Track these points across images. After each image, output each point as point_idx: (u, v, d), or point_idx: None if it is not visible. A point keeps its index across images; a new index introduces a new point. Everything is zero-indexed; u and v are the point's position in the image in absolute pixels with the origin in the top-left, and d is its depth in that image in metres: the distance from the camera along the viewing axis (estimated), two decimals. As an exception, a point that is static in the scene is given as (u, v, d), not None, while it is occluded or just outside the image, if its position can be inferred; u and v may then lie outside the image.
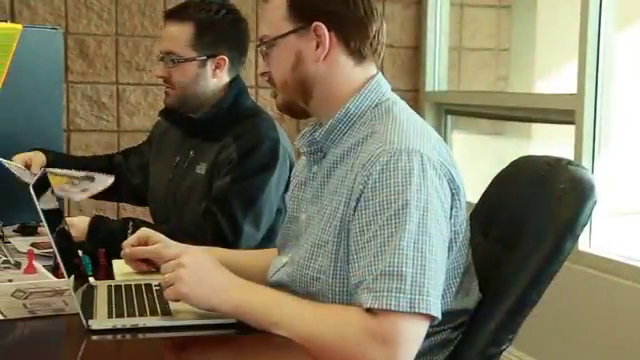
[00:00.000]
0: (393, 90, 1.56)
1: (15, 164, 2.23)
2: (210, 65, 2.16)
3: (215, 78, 2.18)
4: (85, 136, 3.80)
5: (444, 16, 4.05)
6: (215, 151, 2.14)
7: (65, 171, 2.28)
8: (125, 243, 1.80)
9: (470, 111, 3.99)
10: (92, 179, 2.24)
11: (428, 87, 4.06)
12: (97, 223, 2.03)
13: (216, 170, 2.11)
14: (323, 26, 1.47)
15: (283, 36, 1.50)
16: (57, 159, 2.36)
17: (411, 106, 1.55)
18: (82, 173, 2.27)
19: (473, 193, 1.69)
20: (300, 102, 1.54)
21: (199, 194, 2.13)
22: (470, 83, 4.32)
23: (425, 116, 3.98)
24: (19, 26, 2.43)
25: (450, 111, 4.06)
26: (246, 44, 2.23)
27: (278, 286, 1.51)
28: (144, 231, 1.81)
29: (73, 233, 1.94)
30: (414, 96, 4.06)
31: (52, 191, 1.65)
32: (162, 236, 1.79)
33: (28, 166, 2.26)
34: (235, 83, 2.22)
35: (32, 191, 1.44)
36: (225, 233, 2.02)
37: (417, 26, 4.10)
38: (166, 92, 2.20)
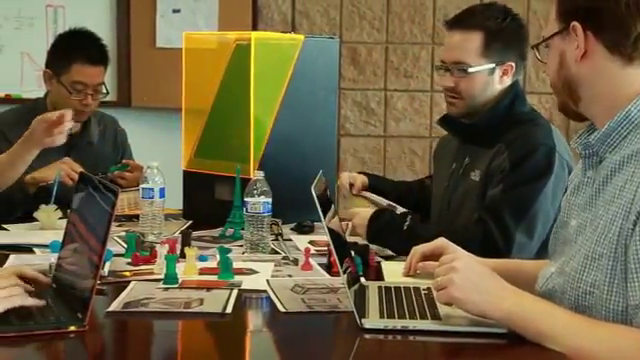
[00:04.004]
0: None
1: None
2: (497, 72, 2.16)
3: (500, 85, 2.18)
4: (354, 140, 3.96)
5: None
6: (488, 157, 2.12)
7: (374, 196, 2.39)
8: (417, 249, 1.83)
9: None
10: (394, 209, 2.30)
11: None
12: (379, 212, 2.12)
13: (489, 178, 2.10)
14: (578, 25, 1.41)
15: (550, 37, 1.48)
16: (377, 182, 2.48)
17: None
18: (386, 202, 2.35)
19: None
20: (570, 104, 1.49)
21: (472, 201, 2.13)
22: None
23: None
24: (301, 36, 2.59)
25: None
26: (527, 49, 2.21)
27: (547, 297, 1.47)
28: (442, 242, 1.81)
29: (356, 220, 2.09)
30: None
31: (327, 192, 1.73)
32: (456, 248, 1.76)
33: (351, 185, 2.41)
34: (513, 88, 2.19)
35: (313, 193, 1.52)
36: (497, 242, 1.99)
37: None
38: (451, 102, 2.21)
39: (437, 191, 2.34)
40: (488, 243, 1.98)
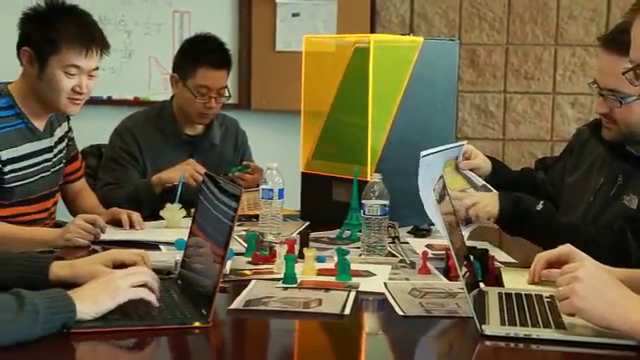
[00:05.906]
0: None
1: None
2: None
3: None
4: (472, 144, 3.87)
5: None
6: None
7: (471, 175, 2.32)
8: (541, 256, 1.78)
9: None
10: (489, 191, 2.24)
11: None
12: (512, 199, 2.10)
13: None
14: None
15: None
16: (500, 169, 2.41)
17: None
18: (481, 183, 2.29)
19: None
20: None
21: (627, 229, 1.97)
22: None
23: None
24: (420, 38, 2.58)
25: None
26: None
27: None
28: (567, 248, 1.72)
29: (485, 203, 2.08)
30: None
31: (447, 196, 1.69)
32: (583, 256, 1.68)
33: (467, 157, 2.35)
34: None
35: (433, 197, 1.51)
36: (630, 253, 1.88)
37: None
38: (606, 127, 2.04)
39: (575, 197, 2.19)
40: (620, 252, 1.87)
